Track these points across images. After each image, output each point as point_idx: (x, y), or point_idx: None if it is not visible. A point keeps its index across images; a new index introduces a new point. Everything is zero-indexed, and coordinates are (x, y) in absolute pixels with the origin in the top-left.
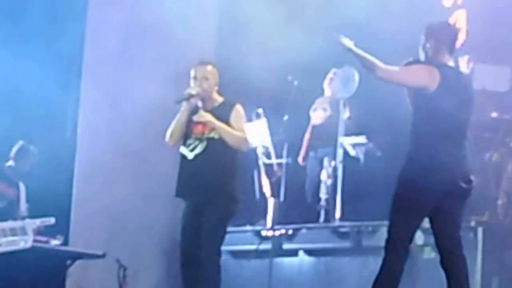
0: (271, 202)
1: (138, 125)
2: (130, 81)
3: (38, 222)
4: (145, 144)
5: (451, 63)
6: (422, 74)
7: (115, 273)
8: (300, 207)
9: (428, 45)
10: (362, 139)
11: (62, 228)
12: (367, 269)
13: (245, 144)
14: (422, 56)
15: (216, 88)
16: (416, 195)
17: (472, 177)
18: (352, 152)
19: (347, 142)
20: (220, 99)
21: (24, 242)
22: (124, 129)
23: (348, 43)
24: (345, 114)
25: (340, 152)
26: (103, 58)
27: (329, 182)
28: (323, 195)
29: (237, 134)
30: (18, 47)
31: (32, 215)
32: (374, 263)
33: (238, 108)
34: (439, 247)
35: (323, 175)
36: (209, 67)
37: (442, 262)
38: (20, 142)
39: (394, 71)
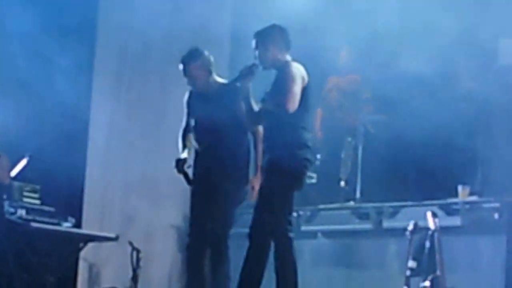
0: None
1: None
2: None
3: None
4: (161, 126)
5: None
6: (300, 73)
7: (128, 256)
8: (319, 187)
9: (269, 48)
10: (382, 117)
11: (74, 210)
12: (388, 252)
13: None
14: (264, 60)
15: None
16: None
17: None
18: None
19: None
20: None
21: None
22: (141, 110)
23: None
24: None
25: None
26: None
27: (349, 161)
28: (343, 175)
29: None
30: None
31: (45, 198)
32: (395, 245)
33: None
34: None
35: (343, 154)
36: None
37: None
38: None
39: (293, 92)
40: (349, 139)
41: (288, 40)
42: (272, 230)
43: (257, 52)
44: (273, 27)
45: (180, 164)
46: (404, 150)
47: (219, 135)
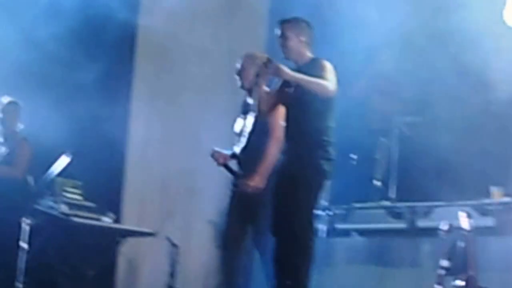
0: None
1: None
2: None
3: None
4: (199, 122)
5: None
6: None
7: (166, 251)
8: (354, 186)
9: (294, 41)
10: (416, 119)
11: (114, 206)
12: (421, 251)
13: None
14: (297, 52)
15: None
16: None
17: None
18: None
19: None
20: None
21: None
22: (180, 107)
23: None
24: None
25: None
26: None
27: (384, 162)
28: (377, 175)
29: None
30: None
31: (86, 194)
32: (428, 245)
33: None
34: None
35: (378, 155)
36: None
37: None
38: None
39: (333, 80)
40: (383, 139)
41: (312, 35)
42: None
43: (285, 42)
44: (302, 19)
45: (216, 156)
46: (437, 151)
47: None
